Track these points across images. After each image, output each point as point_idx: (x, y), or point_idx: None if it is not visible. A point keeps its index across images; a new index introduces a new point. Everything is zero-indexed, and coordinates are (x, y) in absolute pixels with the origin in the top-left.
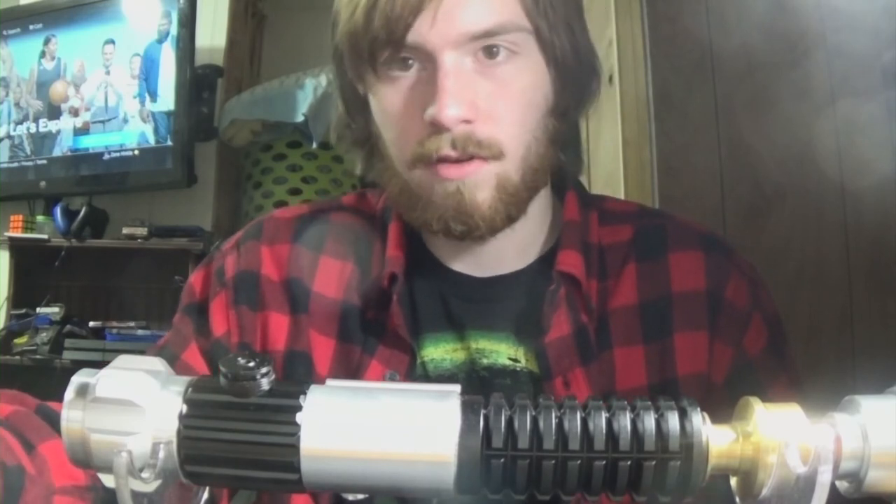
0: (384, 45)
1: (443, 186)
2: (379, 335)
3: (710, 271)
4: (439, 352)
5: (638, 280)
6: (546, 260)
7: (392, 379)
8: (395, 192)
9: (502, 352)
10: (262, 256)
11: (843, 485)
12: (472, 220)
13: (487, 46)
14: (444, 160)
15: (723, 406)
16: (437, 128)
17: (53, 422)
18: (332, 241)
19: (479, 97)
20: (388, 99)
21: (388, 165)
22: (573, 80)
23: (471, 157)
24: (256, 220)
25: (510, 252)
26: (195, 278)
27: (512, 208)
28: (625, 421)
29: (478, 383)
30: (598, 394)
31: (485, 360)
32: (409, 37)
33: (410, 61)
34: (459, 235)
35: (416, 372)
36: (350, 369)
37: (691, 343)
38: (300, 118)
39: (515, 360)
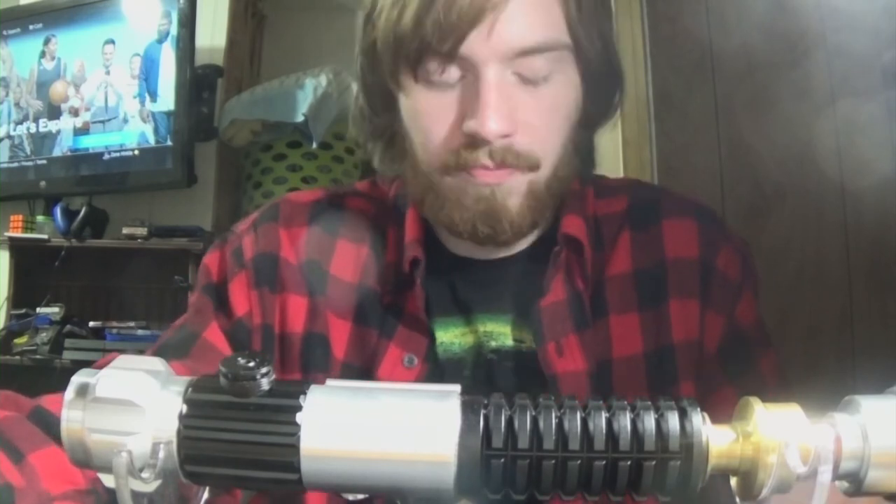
0: (433, 54)
1: (476, 190)
2: (397, 319)
3: (702, 240)
4: (449, 336)
5: (632, 248)
6: (546, 238)
7: (411, 363)
8: (419, 191)
9: (508, 334)
10: (280, 238)
11: (843, 485)
12: (499, 225)
13: (529, 63)
14: (481, 168)
15: (715, 375)
16: (475, 140)
17: (48, 425)
18: (348, 225)
19: (519, 111)
20: (425, 104)
21: (412, 164)
22: (602, 91)
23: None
24: (272, 203)
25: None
26: (210, 259)
27: (538, 215)
28: (625, 421)
29: (486, 367)
30: (594, 361)
31: (493, 343)
32: (462, 49)
33: (453, 69)
34: (483, 239)
35: (433, 355)
36: (366, 353)
37: (685, 310)
38: (300, 118)
39: (521, 341)
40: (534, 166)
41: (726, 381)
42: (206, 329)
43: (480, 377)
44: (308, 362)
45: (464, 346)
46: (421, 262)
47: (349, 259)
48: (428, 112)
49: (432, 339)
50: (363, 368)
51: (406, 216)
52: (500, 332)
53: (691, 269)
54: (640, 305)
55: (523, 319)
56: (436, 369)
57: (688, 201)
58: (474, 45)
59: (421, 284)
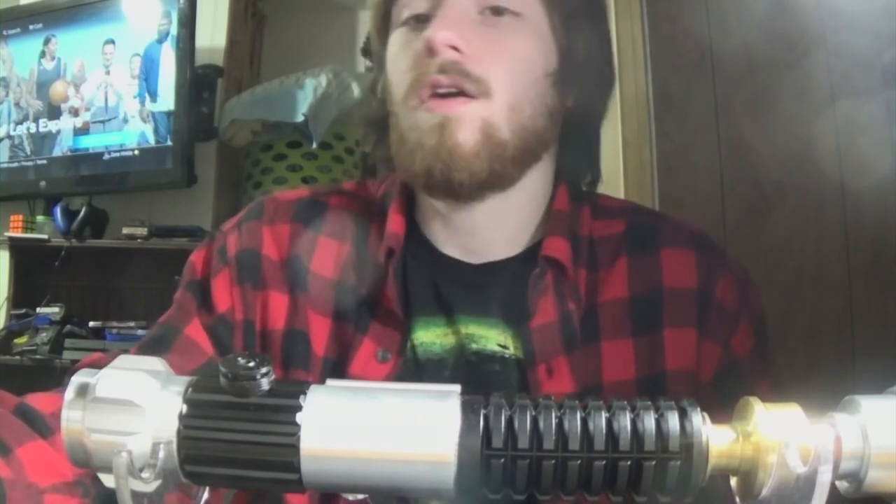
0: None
1: (428, 118)
2: (372, 314)
3: (701, 269)
4: (430, 336)
5: (629, 274)
6: (536, 249)
7: (384, 357)
8: (395, 143)
9: (491, 338)
10: (263, 236)
11: (843, 485)
12: (452, 161)
13: (495, 6)
14: (435, 87)
15: (709, 404)
16: (429, 52)
17: (32, 421)
18: (331, 222)
19: (475, 38)
20: (402, 40)
21: (393, 116)
22: (582, 69)
23: (459, 93)
24: (257, 201)
25: (501, 237)
26: (196, 257)
27: (497, 163)
28: (625, 421)
29: (466, 368)
30: (583, 384)
31: (474, 346)
32: None
33: (422, 3)
34: (441, 179)
35: (407, 351)
36: (343, 348)
37: (680, 339)
38: (300, 118)
39: (504, 347)
40: (484, 92)
41: (718, 410)
42: (188, 325)
43: (461, 379)
44: (289, 359)
45: (445, 346)
46: (395, 252)
47: (330, 256)
48: (402, 47)
49: (407, 334)
50: (338, 363)
51: (389, 212)
52: (482, 336)
53: (689, 299)
54: (634, 331)
55: (507, 326)
56: (414, 368)
57: (686, 229)
58: None
59: (396, 276)
